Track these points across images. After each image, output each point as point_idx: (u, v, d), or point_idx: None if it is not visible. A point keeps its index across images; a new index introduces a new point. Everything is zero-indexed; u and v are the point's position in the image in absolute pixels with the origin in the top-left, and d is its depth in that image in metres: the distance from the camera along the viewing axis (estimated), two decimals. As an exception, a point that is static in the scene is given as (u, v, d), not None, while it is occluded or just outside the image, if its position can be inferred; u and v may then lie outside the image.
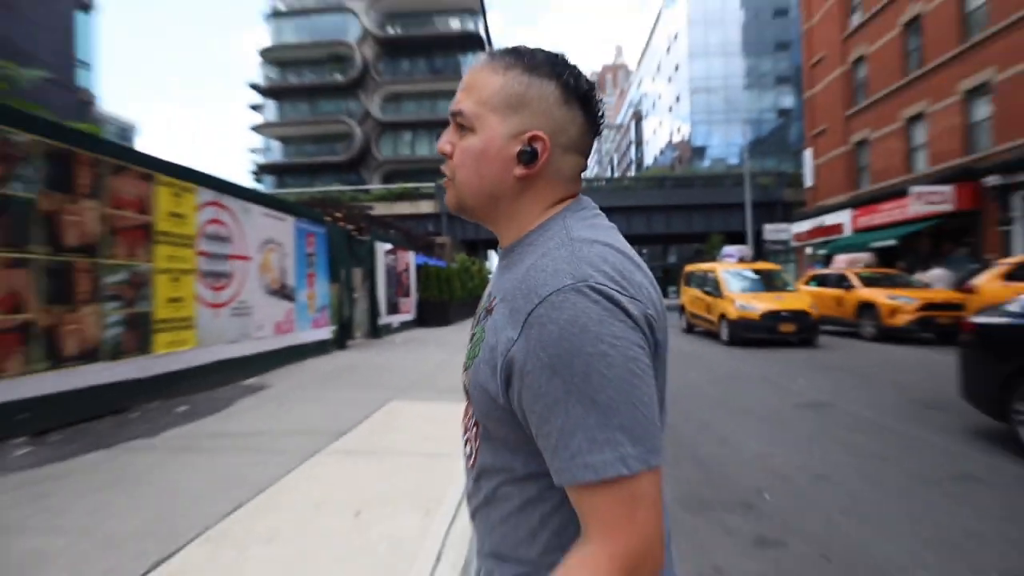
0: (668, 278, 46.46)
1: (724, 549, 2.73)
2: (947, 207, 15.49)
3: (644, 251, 50.59)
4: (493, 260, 47.61)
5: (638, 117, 72.13)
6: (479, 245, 36.11)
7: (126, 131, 48.21)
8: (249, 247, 7.23)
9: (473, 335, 0.76)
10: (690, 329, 13.88)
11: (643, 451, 0.58)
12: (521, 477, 0.70)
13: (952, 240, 17.05)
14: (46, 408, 4.22)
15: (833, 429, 4.79)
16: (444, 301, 17.15)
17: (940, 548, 2.71)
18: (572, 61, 0.74)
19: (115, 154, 5.12)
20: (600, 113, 0.76)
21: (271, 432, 4.34)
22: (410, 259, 16.01)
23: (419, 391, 6.05)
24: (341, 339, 10.19)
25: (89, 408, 4.62)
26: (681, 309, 14.69)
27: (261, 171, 43.91)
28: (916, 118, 18.06)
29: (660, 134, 60.26)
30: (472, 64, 0.76)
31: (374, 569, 2.30)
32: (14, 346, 4.03)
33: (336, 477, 3.37)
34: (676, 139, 53.56)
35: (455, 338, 12.49)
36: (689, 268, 14.46)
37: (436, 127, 40.11)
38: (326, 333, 9.63)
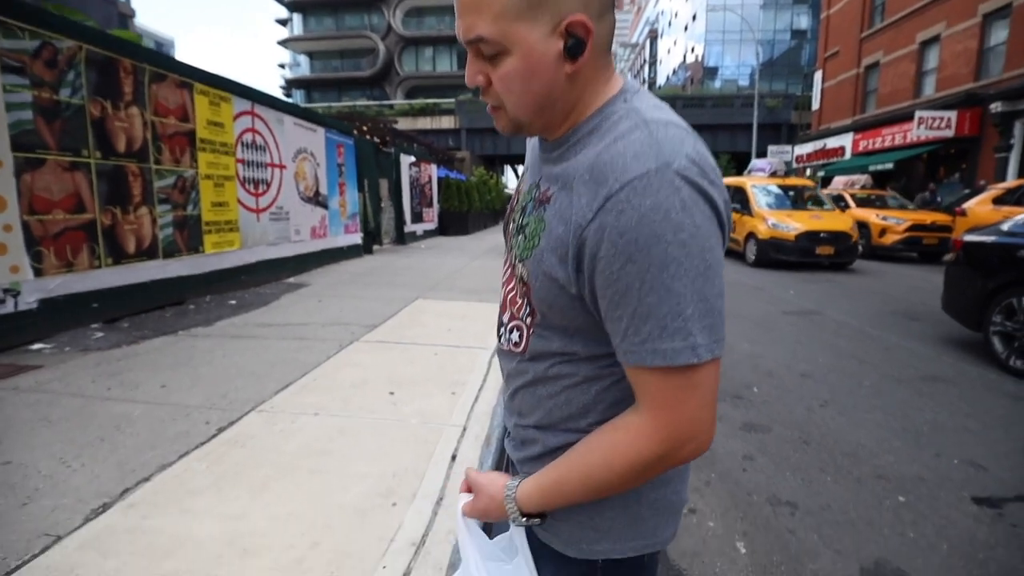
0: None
1: (715, 433, 2.80)
2: (948, 133, 14.54)
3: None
4: (509, 174, 46.43)
5: (653, 35, 66.89)
6: (496, 160, 35.11)
7: (162, 46, 45.82)
8: (284, 156, 7.04)
9: (524, 226, 0.68)
10: None
11: (710, 341, 0.55)
12: (580, 358, 0.66)
13: (947, 165, 16.20)
14: (114, 299, 4.31)
15: (818, 334, 4.79)
16: (464, 212, 16.94)
17: (906, 437, 2.76)
18: None
19: (154, 61, 4.84)
20: None
21: (312, 323, 4.43)
22: (432, 171, 15.62)
23: (442, 291, 6.10)
24: (368, 244, 10.19)
25: (152, 300, 4.72)
26: None
27: (290, 86, 42.12)
28: (931, 41, 16.47)
29: (674, 53, 56.14)
30: None
31: (407, 438, 2.40)
32: (81, 242, 4.04)
33: (371, 363, 3.46)
34: (690, 59, 49.94)
35: (474, 245, 12.45)
36: None
37: (457, 42, 37.57)
38: (357, 238, 9.61)
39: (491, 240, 14.54)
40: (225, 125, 5.78)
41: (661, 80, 61.49)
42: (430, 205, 15.29)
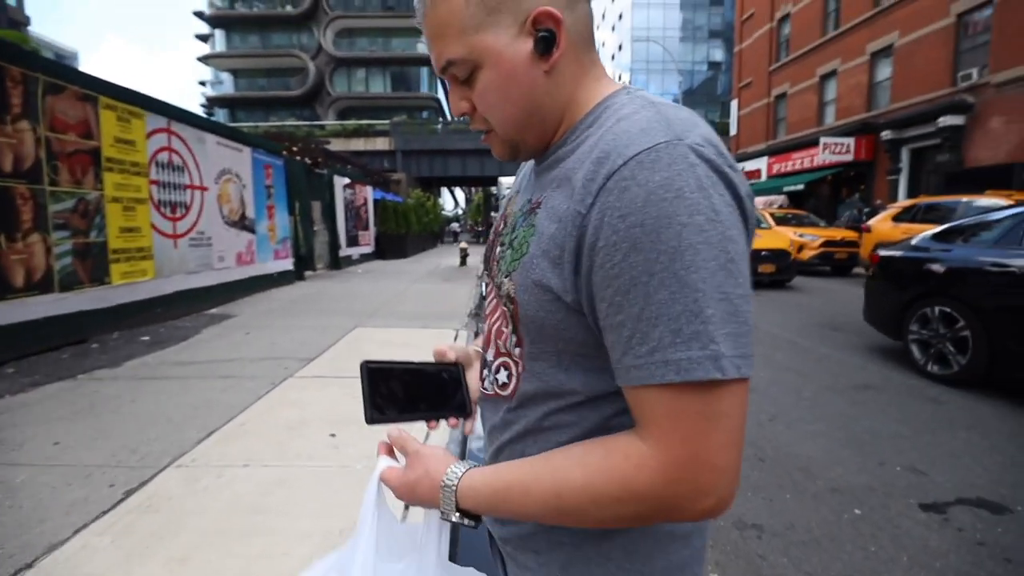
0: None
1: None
2: (848, 157, 16.08)
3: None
4: (446, 196, 46.27)
5: (581, 64, 70.04)
6: (433, 181, 34.87)
7: (64, 58, 42.26)
8: (205, 177, 6.53)
9: (512, 240, 0.57)
10: None
11: (736, 354, 0.43)
12: (581, 402, 0.54)
13: (849, 187, 17.85)
14: (-4, 339, 3.73)
15: (757, 348, 4.87)
16: (402, 235, 16.61)
17: (851, 446, 2.85)
18: None
19: (49, 71, 4.33)
20: None
21: (240, 359, 4.04)
22: (368, 194, 15.21)
23: (382, 318, 5.82)
24: (301, 270, 9.67)
25: (45, 339, 4.13)
26: None
27: (212, 104, 39.99)
28: (829, 75, 18.29)
29: (601, 82, 59.02)
30: (417, 10, 0.56)
31: (354, 486, 2.17)
32: (-48, 275, 3.48)
33: (308, 401, 3.17)
34: (616, 87, 52.70)
35: (413, 268, 12.15)
36: None
37: (390, 64, 37.40)
38: (288, 264, 9.08)
39: (431, 263, 14.29)
40: (137, 143, 5.28)
41: (591, 106, 64.28)
42: (366, 228, 14.84)
